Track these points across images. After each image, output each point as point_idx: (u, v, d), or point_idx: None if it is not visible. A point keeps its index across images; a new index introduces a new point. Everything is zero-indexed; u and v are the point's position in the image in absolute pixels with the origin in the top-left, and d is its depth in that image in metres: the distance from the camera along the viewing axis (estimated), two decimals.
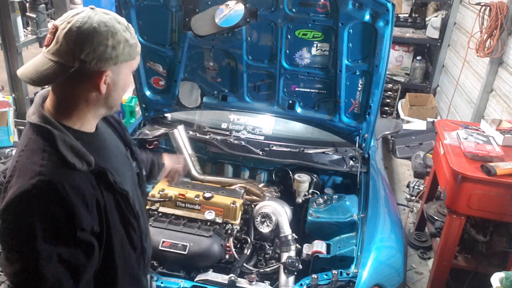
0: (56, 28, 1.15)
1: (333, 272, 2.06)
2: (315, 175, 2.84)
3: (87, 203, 1.16)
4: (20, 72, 1.18)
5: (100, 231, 1.22)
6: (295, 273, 2.23)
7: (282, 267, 2.25)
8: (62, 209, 1.12)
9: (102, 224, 1.22)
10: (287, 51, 2.73)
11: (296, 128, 3.16)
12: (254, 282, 2.11)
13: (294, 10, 2.55)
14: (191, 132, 3.07)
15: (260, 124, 3.18)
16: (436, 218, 3.16)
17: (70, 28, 1.13)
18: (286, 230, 2.43)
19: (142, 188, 1.60)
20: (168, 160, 1.98)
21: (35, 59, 1.18)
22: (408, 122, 5.36)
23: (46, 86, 1.23)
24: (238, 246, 2.47)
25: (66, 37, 1.13)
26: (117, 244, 1.29)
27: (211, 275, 2.18)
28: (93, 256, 1.21)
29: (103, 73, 1.18)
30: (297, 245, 2.41)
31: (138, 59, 1.28)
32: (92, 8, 1.19)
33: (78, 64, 1.13)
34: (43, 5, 4.19)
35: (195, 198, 2.50)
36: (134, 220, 1.34)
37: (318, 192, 2.79)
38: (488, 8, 4.05)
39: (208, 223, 2.46)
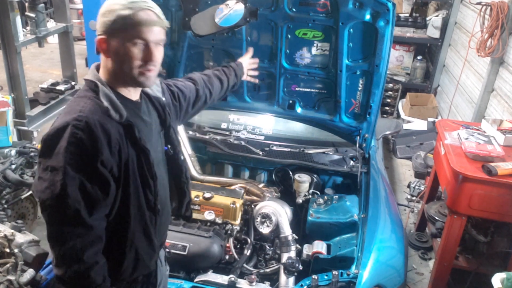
0: None
1: (334, 272, 2.05)
2: (315, 175, 2.84)
3: (111, 145, 1.38)
4: None
5: (118, 176, 1.42)
6: (295, 274, 2.23)
7: (282, 267, 2.25)
8: (90, 140, 1.34)
9: (121, 170, 1.42)
10: (287, 50, 2.72)
11: (296, 128, 3.15)
12: (254, 283, 2.10)
13: (294, 9, 2.54)
14: (191, 132, 3.06)
15: (260, 124, 3.17)
16: (437, 218, 3.15)
17: None
18: (286, 231, 2.42)
19: (177, 168, 1.77)
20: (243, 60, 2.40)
21: None
22: (408, 122, 5.35)
23: None
24: (238, 246, 2.46)
25: None
26: (133, 196, 1.48)
27: (211, 276, 2.17)
28: (108, 195, 1.40)
29: (103, 39, 1.42)
30: (297, 245, 2.40)
31: (136, 34, 1.40)
32: None
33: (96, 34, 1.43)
34: (42, 5, 4.17)
35: (195, 198, 2.49)
36: (151, 181, 1.52)
37: (318, 192, 2.78)
38: (489, 7, 4.04)
39: (208, 224, 2.45)
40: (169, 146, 1.72)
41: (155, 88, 1.69)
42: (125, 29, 1.40)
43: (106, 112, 1.39)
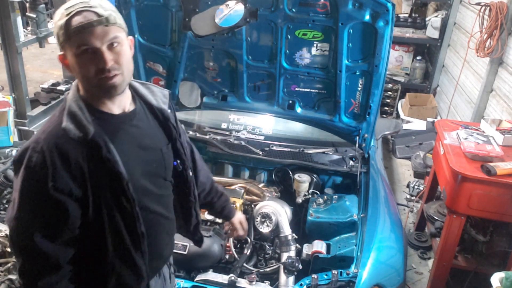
0: None
1: (333, 272, 2.06)
2: (315, 175, 2.84)
3: (71, 168, 1.29)
4: None
5: (84, 198, 1.32)
6: (295, 273, 2.23)
7: (282, 267, 2.25)
8: (43, 164, 1.27)
9: (86, 192, 1.32)
10: (287, 51, 2.73)
11: (296, 128, 3.15)
12: (254, 282, 2.11)
13: (294, 10, 2.55)
14: (191, 132, 3.07)
15: (260, 124, 3.18)
16: (436, 218, 3.16)
17: None
18: (286, 230, 2.43)
19: (185, 185, 1.65)
20: (236, 219, 2.05)
21: None
22: (408, 122, 5.36)
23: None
24: (238, 246, 2.47)
25: None
26: (108, 220, 1.37)
27: (211, 275, 2.18)
28: (68, 220, 1.32)
29: (61, 56, 1.33)
30: (297, 245, 2.40)
31: (77, 41, 1.25)
32: None
33: None
34: (43, 5, 4.18)
35: None
36: (127, 204, 1.37)
37: (318, 192, 2.79)
38: (488, 8, 4.05)
39: (208, 223, 2.46)
40: (178, 161, 1.60)
41: (160, 99, 1.55)
42: (68, 39, 1.25)
43: (62, 130, 1.29)
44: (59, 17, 1.27)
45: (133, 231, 1.42)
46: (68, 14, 1.24)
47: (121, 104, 1.40)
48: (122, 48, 1.30)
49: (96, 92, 1.34)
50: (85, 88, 1.34)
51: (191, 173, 1.66)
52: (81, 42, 1.24)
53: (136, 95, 1.49)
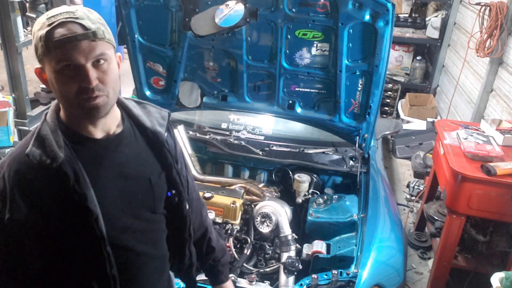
0: None
1: (333, 272, 2.06)
2: (315, 175, 2.84)
3: (31, 198, 1.17)
4: None
5: (47, 231, 1.20)
6: (295, 273, 2.23)
7: (282, 267, 2.25)
8: (2, 192, 1.17)
9: (50, 225, 1.19)
10: (287, 51, 2.73)
11: (296, 128, 3.16)
12: (254, 282, 2.11)
13: (294, 10, 2.55)
14: (191, 132, 3.07)
15: (260, 124, 3.18)
16: (436, 218, 3.16)
17: None
18: (286, 230, 2.43)
19: (180, 219, 1.45)
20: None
21: None
22: (408, 122, 5.36)
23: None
24: (238, 246, 2.47)
25: None
26: (73, 260, 1.24)
27: None
28: (29, 255, 1.20)
29: (38, 69, 1.19)
30: (297, 245, 2.40)
31: (59, 56, 1.11)
32: None
33: None
34: (43, 5, 4.19)
35: None
36: (96, 242, 1.22)
37: (318, 192, 2.79)
38: (488, 8, 4.05)
39: None
40: (173, 191, 1.40)
41: (157, 121, 1.37)
42: (48, 52, 1.11)
43: (30, 158, 1.16)
44: (40, 26, 1.12)
45: (102, 273, 1.24)
46: (50, 25, 1.10)
47: (104, 127, 1.25)
48: (109, 66, 1.16)
49: (76, 113, 1.19)
50: (64, 108, 1.21)
51: (187, 206, 1.45)
52: (62, 56, 1.10)
53: (127, 115, 1.33)
